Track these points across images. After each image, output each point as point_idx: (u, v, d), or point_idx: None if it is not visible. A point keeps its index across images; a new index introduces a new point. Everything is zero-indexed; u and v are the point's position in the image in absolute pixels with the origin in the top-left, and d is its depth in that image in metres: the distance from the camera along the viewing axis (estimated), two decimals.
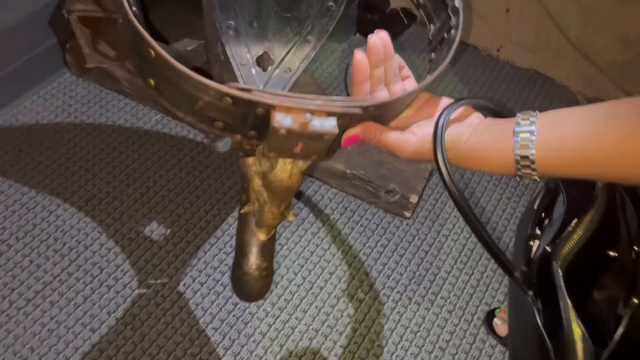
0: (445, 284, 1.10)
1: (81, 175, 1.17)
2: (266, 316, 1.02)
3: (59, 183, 1.15)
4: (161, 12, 1.27)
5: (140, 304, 1.00)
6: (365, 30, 1.50)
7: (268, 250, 0.65)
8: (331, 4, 0.67)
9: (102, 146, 1.23)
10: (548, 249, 0.49)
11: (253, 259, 0.65)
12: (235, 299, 1.03)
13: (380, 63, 0.49)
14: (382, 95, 0.51)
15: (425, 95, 0.52)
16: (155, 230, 1.10)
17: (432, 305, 1.07)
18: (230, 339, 0.98)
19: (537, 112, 0.44)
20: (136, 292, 1.02)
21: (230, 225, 1.12)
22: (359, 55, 0.48)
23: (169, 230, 1.10)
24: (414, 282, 1.10)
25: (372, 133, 0.46)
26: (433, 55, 0.57)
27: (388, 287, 1.08)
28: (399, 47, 1.53)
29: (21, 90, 1.29)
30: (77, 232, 1.08)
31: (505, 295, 1.10)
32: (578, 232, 0.48)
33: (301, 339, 1.00)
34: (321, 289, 1.07)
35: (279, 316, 1.02)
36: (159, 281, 1.03)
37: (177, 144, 1.25)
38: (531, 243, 0.53)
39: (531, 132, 0.41)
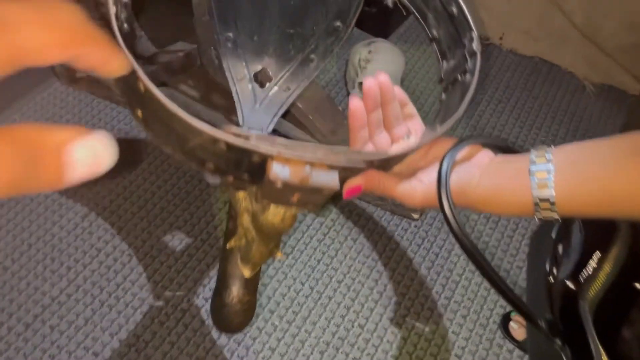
0: (457, 287, 1.07)
1: (76, 190, 1.13)
2: (274, 330, 0.98)
3: (53, 199, 1.11)
4: (154, 12, 1.22)
5: (144, 324, 0.97)
6: (363, 23, 1.45)
7: (252, 283, 0.62)
8: (338, 23, 0.62)
9: None
10: (571, 285, 0.46)
11: (235, 292, 0.61)
12: None
13: (377, 107, 0.46)
14: (383, 139, 0.48)
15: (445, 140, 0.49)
16: (155, 244, 1.06)
17: (445, 311, 1.04)
18: (238, 356, 0.95)
19: (551, 146, 0.41)
20: (138, 311, 0.98)
21: None
22: (354, 102, 0.45)
23: (169, 245, 1.06)
24: (425, 287, 1.06)
25: (375, 183, 0.43)
26: (444, 96, 0.53)
27: (399, 293, 1.05)
28: (398, 39, 1.48)
29: (10, 101, 1.24)
30: (74, 250, 1.04)
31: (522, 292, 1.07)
32: (605, 270, 0.45)
33: (312, 353, 0.97)
34: (330, 298, 1.03)
35: (287, 330, 0.99)
36: (162, 299, 1.00)
37: None
38: (550, 279, 0.50)
39: (549, 172, 0.39)
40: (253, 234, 0.53)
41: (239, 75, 0.63)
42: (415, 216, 1.14)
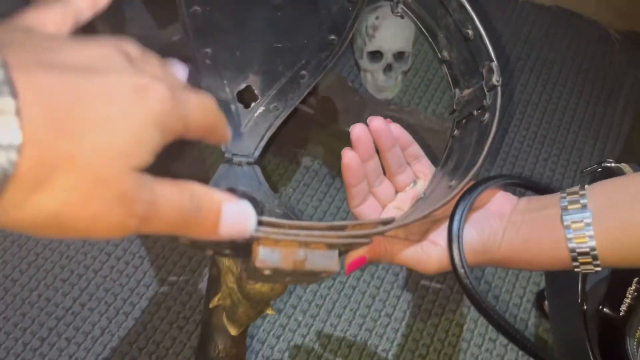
0: (486, 267, 1.01)
1: None
2: (298, 327, 0.94)
3: None
4: None
5: (162, 329, 0.93)
6: None
7: (240, 334, 0.56)
8: (333, 37, 0.55)
9: None
10: (608, 311, 0.40)
11: (221, 345, 0.56)
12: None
13: (373, 155, 0.41)
14: (386, 190, 0.42)
15: None
16: (167, 244, 1.01)
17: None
18: (263, 357, 0.91)
19: (584, 187, 0.35)
20: (156, 316, 0.94)
21: None
22: (348, 156, 0.39)
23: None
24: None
25: (382, 252, 0.38)
26: (457, 132, 0.46)
27: (426, 277, 1.00)
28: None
29: None
30: (83, 256, 1.00)
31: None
32: None
33: (339, 348, 0.93)
34: (354, 288, 0.98)
35: (312, 325, 0.94)
36: (179, 301, 0.96)
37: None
38: (584, 306, 0.44)
39: (587, 223, 0.33)
40: (239, 296, 0.48)
41: (219, 95, 0.56)
42: None
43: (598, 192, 0.34)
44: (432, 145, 1.07)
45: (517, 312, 0.96)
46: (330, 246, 0.32)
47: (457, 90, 0.47)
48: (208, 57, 0.54)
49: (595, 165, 0.46)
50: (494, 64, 0.43)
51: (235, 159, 0.55)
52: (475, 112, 0.44)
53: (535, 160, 1.14)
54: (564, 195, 0.35)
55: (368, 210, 0.42)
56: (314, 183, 1.08)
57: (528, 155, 1.14)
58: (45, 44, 0.22)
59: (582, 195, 0.34)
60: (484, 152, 0.39)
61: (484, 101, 0.43)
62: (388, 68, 1.14)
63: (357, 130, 0.40)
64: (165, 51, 0.30)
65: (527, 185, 0.40)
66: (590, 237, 0.33)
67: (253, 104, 0.58)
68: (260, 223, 0.30)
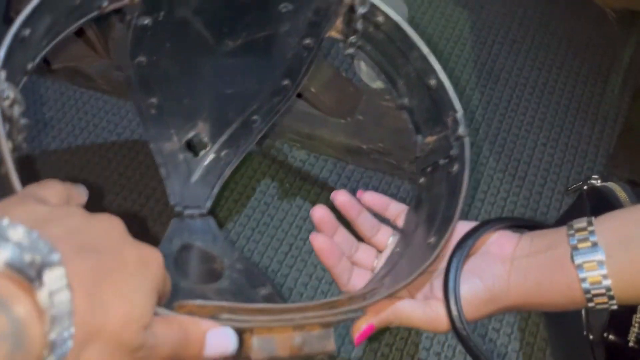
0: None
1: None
2: None
3: None
4: None
5: None
6: None
7: None
8: (287, 82, 0.53)
9: (88, 155, 1.10)
10: (614, 338, 0.40)
11: None
12: None
13: (338, 229, 0.44)
14: (366, 254, 0.44)
15: None
16: None
17: None
18: None
19: (592, 222, 0.33)
20: None
21: (248, 240, 1.02)
22: (317, 242, 0.42)
23: None
24: None
25: (390, 317, 0.38)
26: (422, 180, 0.46)
27: None
28: None
29: None
30: None
31: None
32: None
33: (343, 343, 0.92)
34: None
35: None
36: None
37: None
38: (589, 335, 0.43)
39: (599, 262, 0.32)
40: None
41: (166, 145, 0.53)
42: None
43: (607, 228, 0.33)
44: None
45: (496, 336, 0.93)
46: (325, 325, 0.32)
47: (419, 137, 0.46)
48: (153, 106, 0.51)
49: (580, 183, 0.45)
50: (459, 115, 0.42)
51: (187, 212, 0.54)
52: (441, 161, 0.43)
53: (534, 145, 1.13)
54: (571, 232, 0.33)
55: (358, 281, 0.42)
56: (310, 178, 1.07)
57: (526, 140, 1.13)
58: (66, 220, 0.27)
59: (592, 232, 0.33)
60: (459, 206, 0.39)
61: (451, 151, 0.42)
62: None
63: (318, 214, 0.43)
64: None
65: (523, 226, 0.39)
66: (605, 276, 0.32)
67: (202, 152, 0.56)
68: (252, 311, 0.31)
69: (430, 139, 0.45)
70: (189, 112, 0.54)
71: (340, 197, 0.45)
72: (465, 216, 1.04)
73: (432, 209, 0.42)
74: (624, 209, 0.33)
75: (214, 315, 0.31)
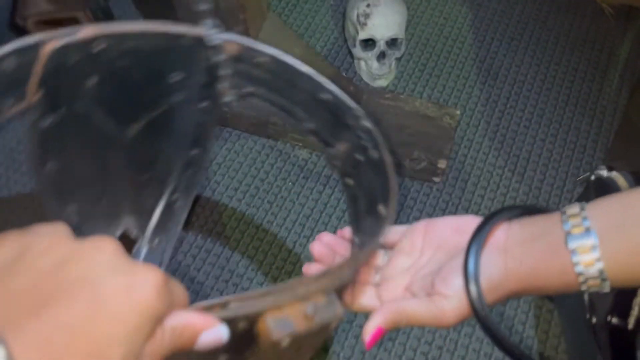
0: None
1: None
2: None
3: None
4: None
5: None
6: None
7: None
8: (196, 151, 0.52)
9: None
10: (616, 321, 0.41)
11: None
12: None
13: (333, 261, 0.45)
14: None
15: (433, 224, 0.43)
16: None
17: None
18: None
19: (584, 207, 0.34)
20: None
21: (252, 238, 1.04)
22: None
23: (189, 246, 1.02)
24: None
25: (397, 318, 0.38)
26: (351, 181, 0.46)
27: None
28: None
29: None
30: None
31: None
32: None
33: (346, 339, 0.94)
34: None
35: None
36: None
37: None
38: (593, 319, 0.44)
39: (593, 247, 0.33)
40: None
41: None
42: (437, 180, 1.08)
43: (600, 213, 0.34)
44: (428, 131, 1.07)
45: (512, 323, 0.96)
46: (326, 291, 0.33)
47: (332, 150, 0.47)
48: (73, 214, 0.48)
49: (587, 174, 0.46)
50: (358, 111, 0.43)
51: None
52: (361, 157, 0.44)
53: (533, 141, 1.14)
54: (565, 218, 0.34)
55: (367, 300, 0.43)
56: (313, 176, 1.09)
57: (525, 136, 1.14)
58: (38, 262, 0.25)
59: (585, 218, 0.33)
60: (392, 174, 0.40)
61: (361, 142, 0.43)
62: (381, 55, 1.13)
63: (317, 250, 0.45)
64: None
65: (535, 213, 0.39)
66: (598, 260, 0.33)
67: (135, 248, 0.54)
68: (258, 298, 0.30)
69: (343, 146, 0.46)
70: (110, 210, 0.52)
71: (326, 238, 0.46)
72: (465, 212, 1.06)
73: (369, 193, 0.43)
74: (616, 194, 0.34)
75: (223, 307, 0.31)
